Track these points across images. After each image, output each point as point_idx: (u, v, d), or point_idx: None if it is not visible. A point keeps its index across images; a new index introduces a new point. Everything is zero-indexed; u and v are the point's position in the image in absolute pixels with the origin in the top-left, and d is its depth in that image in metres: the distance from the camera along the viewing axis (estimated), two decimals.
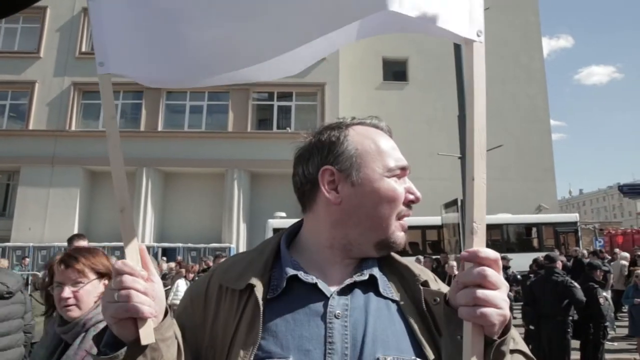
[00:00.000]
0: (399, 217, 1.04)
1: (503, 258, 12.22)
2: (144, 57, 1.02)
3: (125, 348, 0.87)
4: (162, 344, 0.89)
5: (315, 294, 0.98)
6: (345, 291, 0.98)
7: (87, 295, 1.86)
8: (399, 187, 1.03)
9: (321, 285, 0.98)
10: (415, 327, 0.96)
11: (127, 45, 1.02)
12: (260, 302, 0.95)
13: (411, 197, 1.05)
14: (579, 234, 18.05)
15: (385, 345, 0.93)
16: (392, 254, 1.08)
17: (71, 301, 1.83)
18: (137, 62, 1.03)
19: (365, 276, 1.00)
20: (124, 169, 0.98)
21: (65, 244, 5.78)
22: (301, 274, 0.99)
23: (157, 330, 0.89)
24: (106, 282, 1.90)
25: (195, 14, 0.99)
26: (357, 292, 0.99)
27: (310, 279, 0.99)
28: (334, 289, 0.98)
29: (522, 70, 23.28)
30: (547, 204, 21.80)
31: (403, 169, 1.06)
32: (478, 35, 0.95)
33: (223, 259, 6.26)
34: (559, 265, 6.89)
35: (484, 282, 0.81)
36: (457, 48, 8.68)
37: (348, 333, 0.93)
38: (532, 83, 23.33)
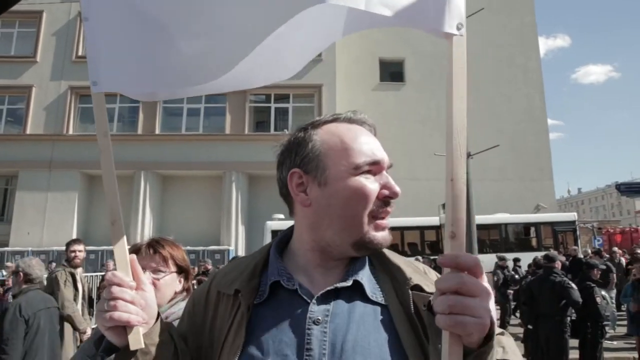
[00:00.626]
0: (374, 216, 0.99)
1: (501, 259, 12.24)
2: (136, 73, 1.06)
3: (116, 353, 0.94)
4: (153, 347, 0.95)
5: (297, 299, 0.97)
6: (328, 296, 0.96)
7: (165, 286, 1.76)
8: (370, 184, 0.98)
9: (301, 291, 0.98)
10: (402, 334, 0.92)
11: (119, 62, 1.05)
12: (244, 307, 0.97)
13: (386, 192, 0.99)
14: (577, 233, 18.09)
15: (365, 352, 0.90)
16: (386, 252, 1.05)
17: None
18: (129, 78, 1.06)
19: (349, 282, 0.97)
20: (117, 183, 1.02)
21: (64, 248, 5.80)
22: (284, 280, 1.00)
23: (148, 336, 0.95)
24: (182, 279, 1.86)
25: (181, 26, 1.02)
26: (342, 297, 0.97)
27: (291, 284, 0.99)
28: (317, 294, 0.97)
29: (519, 70, 23.35)
30: (545, 204, 21.84)
31: (375, 163, 1.00)
32: (458, 29, 0.89)
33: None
34: (558, 265, 6.91)
35: (461, 289, 0.77)
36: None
37: (327, 339, 0.91)
38: (528, 83, 23.40)
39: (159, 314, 1.00)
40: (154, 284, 1.68)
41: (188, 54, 1.02)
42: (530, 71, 23.59)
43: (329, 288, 0.97)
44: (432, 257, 12.85)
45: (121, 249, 0.99)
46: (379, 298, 0.98)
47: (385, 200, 0.99)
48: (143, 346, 0.92)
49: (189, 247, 17.80)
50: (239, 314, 0.97)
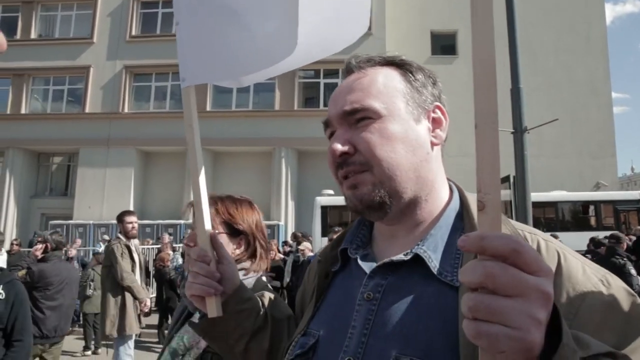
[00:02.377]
0: (340, 180, 0.90)
1: (554, 237, 11.63)
2: (219, 64, 1.13)
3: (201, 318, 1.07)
4: (235, 315, 1.04)
5: (359, 270, 0.90)
6: (386, 270, 0.86)
7: None
8: (331, 145, 0.89)
9: (363, 261, 0.91)
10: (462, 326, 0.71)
11: (204, 57, 1.14)
12: (321, 274, 0.98)
13: (330, 157, 0.89)
14: None
15: (407, 341, 0.77)
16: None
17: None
18: (213, 69, 1.14)
19: (406, 256, 0.84)
20: (203, 170, 1.11)
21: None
22: (351, 248, 0.96)
23: (228, 304, 1.03)
24: (242, 242, 1.58)
25: (254, 11, 1.07)
26: (402, 272, 0.85)
27: (354, 253, 0.94)
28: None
29: (581, 39, 22.00)
30: (606, 181, 20.76)
31: (326, 125, 0.95)
32: None
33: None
34: (623, 246, 6.54)
35: (486, 283, 0.53)
36: (510, 20, 8.25)
37: (372, 319, 0.82)
38: (591, 53, 22.02)
39: (241, 285, 1.08)
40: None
41: (262, 36, 1.06)
42: (594, 39, 22.17)
43: (385, 261, 0.86)
44: None
45: (202, 227, 1.07)
46: (451, 277, 0.80)
47: (340, 161, 0.88)
48: (219, 314, 1.01)
49: None
50: (316, 281, 0.99)
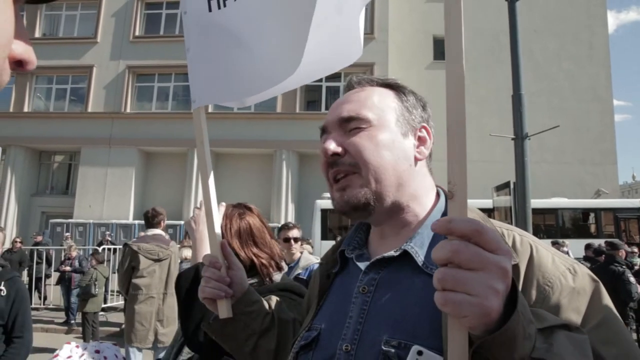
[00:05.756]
0: (330, 182, 1.00)
1: (555, 242, 11.73)
2: (226, 85, 1.22)
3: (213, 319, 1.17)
4: (244, 316, 1.15)
5: (355, 268, 1.01)
6: (379, 266, 0.96)
7: None
8: (323, 144, 0.98)
9: (358, 260, 1.01)
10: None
11: (212, 79, 1.23)
12: (323, 276, 1.07)
13: (323, 157, 0.98)
14: None
15: (397, 326, 0.85)
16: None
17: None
18: (220, 91, 1.23)
19: (395, 252, 0.94)
20: (213, 185, 1.20)
21: (123, 221, 5.97)
22: (348, 249, 1.05)
23: (237, 306, 1.15)
24: None
25: (256, 35, 1.15)
26: (392, 267, 0.94)
27: (350, 253, 1.04)
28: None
29: (583, 47, 22.05)
30: (606, 189, 20.76)
31: (322, 131, 1.04)
32: None
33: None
34: (622, 254, 6.55)
35: (453, 259, 0.63)
36: (513, 27, 8.28)
37: (367, 309, 0.91)
38: (594, 60, 22.07)
39: (249, 289, 1.19)
40: None
41: (265, 60, 1.13)
42: (597, 47, 22.22)
43: (377, 257, 0.96)
44: None
45: (213, 235, 1.18)
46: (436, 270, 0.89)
47: (331, 161, 0.98)
48: (230, 316, 1.12)
49: None
50: (318, 282, 1.08)
